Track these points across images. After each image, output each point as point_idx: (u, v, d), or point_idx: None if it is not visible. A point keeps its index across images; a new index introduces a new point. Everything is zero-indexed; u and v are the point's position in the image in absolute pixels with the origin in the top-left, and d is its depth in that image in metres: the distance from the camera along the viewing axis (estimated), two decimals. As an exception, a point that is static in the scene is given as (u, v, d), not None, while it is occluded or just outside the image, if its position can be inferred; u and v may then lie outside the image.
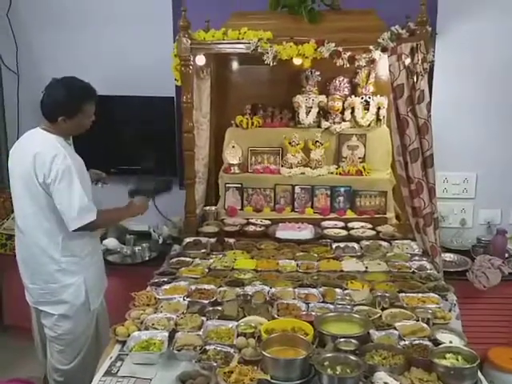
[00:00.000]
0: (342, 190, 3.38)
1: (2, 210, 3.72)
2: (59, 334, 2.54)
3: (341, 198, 3.39)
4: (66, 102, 2.43)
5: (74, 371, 2.57)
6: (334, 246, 2.99)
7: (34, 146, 2.43)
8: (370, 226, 3.25)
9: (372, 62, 3.13)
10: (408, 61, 2.78)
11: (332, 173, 3.42)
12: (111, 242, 3.53)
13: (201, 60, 3.12)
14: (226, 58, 3.52)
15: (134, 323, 2.13)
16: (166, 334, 2.02)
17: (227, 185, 3.48)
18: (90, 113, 2.50)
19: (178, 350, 1.94)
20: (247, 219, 3.36)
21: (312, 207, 3.40)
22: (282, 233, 3.13)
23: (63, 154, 2.39)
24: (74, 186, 2.38)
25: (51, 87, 2.48)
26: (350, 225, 3.27)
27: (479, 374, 1.82)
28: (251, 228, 3.26)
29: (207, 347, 1.94)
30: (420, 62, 2.76)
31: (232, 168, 3.49)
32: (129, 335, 2.04)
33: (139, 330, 2.08)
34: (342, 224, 3.29)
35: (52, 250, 2.47)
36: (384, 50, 2.84)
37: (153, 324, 2.10)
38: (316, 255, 2.86)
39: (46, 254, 2.48)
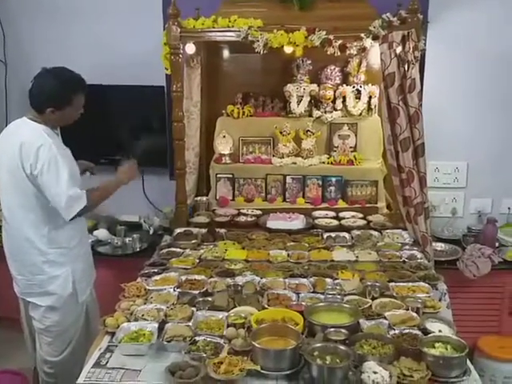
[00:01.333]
0: (334, 179, 3.37)
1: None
2: (47, 326, 2.52)
3: (332, 188, 3.38)
4: (55, 94, 2.38)
5: (64, 362, 2.56)
6: (325, 235, 2.99)
7: (20, 135, 2.40)
8: (361, 215, 3.25)
9: (363, 50, 3.09)
10: (399, 49, 2.76)
11: (323, 162, 3.41)
12: (102, 233, 3.51)
13: (191, 48, 3.08)
14: (217, 47, 3.49)
15: (123, 314, 2.12)
16: (156, 325, 2.01)
17: (218, 175, 3.46)
18: (79, 105, 2.46)
19: (168, 341, 1.93)
20: (238, 209, 3.35)
21: (303, 197, 3.39)
22: (273, 223, 3.12)
23: (49, 144, 2.35)
24: (61, 176, 2.34)
25: (41, 77, 2.42)
26: (341, 214, 3.27)
27: (468, 362, 1.83)
28: (242, 218, 3.25)
29: (197, 338, 1.94)
30: (411, 50, 2.75)
31: (223, 158, 3.47)
32: (118, 326, 2.03)
33: (129, 321, 2.07)
34: (333, 214, 3.29)
35: (38, 242, 2.44)
36: (375, 37, 2.82)
37: (142, 315, 2.10)
38: (307, 245, 2.86)
39: (32, 246, 2.45)
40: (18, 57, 3.78)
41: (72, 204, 2.37)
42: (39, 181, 2.35)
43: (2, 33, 3.75)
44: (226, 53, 3.59)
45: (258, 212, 3.31)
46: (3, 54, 3.79)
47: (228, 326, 2.01)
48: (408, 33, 2.74)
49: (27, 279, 2.50)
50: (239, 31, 2.89)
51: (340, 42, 2.87)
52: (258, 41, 2.87)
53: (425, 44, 2.92)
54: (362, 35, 2.83)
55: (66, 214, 2.39)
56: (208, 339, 1.93)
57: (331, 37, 2.85)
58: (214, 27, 2.97)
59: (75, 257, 2.53)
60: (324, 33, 2.84)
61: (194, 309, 2.15)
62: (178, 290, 2.32)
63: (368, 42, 2.86)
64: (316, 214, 3.28)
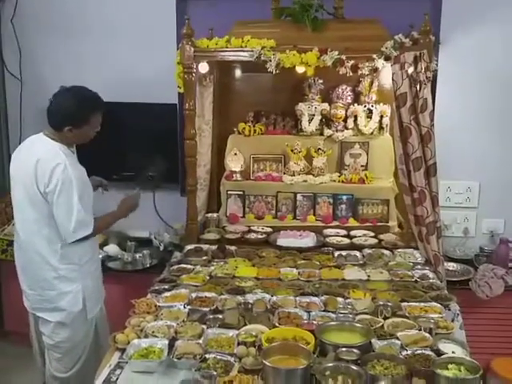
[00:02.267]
0: (345, 197, 3.36)
1: (3, 216, 3.72)
2: (57, 342, 2.52)
3: (343, 206, 3.37)
4: (74, 113, 2.40)
5: (73, 379, 2.55)
6: (335, 254, 2.98)
7: (36, 152, 2.42)
8: (372, 234, 3.24)
9: (375, 70, 3.14)
10: (411, 69, 2.78)
11: (334, 180, 3.42)
12: (112, 249, 3.53)
13: (204, 67, 3.12)
14: (229, 66, 3.53)
15: (133, 331, 2.11)
16: (166, 341, 2.00)
17: (229, 192, 3.47)
18: (96, 124, 2.49)
19: (178, 359, 1.92)
20: (249, 226, 3.35)
21: (314, 215, 3.39)
22: (284, 240, 3.12)
23: (64, 164, 2.36)
24: (73, 200, 2.36)
25: (59, 95, 2.45)
26: (353, 233, 3.26)
27: (482, 385, 1.80)
28: (253, 235, 3.24)
29: (207, 356, 1.93)
30: (423, 70, 2.76)
31: (234, 175, 3.49)
32: (128, 343, 2.03)
33: (139, 337, 2.07)
34: (344, 232, 3.28)
35: (51, 257, 2.45)
36: (387, 58, 2.84)
37: (153, 332, 2.09)
38: (318, 263, 2.85)
39: (44, 261, 2.46)
40: (32, 74, 3.85)
41: (78, 229, 2.40)
42: (49, 199, 2.37)
43: (19, 50, 3.83)
44: (238, 72, 3.63)
45: (269, 229, 3.31)
46: (19, 71, 3.86)
47: (238, 344, 2.00)
48: (420, 54, 2.76)
49: (38, 294, 2.51)
50: (252, 51, 2.92)
51: (352, 62, 2.89)
52: (271, 61, 2.90)
53: (437, 65, 2.94)
54: (374, 56, 2.85)
55: (69, 237, 2.42)
56: (218, 357, 1.92)
57: (343, 57, 2.87)
58: (227, 47, 3.00)
59: (86, 273, 2.53)
60: (336, 53, 2.87)
61: (204, 326, 2.14)
62: (189, 306, 2.32)
63: (380, 63, 2.88)
64: (327, 232, 3.27)
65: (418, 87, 2.78)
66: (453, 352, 1.94)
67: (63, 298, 2.48)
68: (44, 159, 2.37)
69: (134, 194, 2.80)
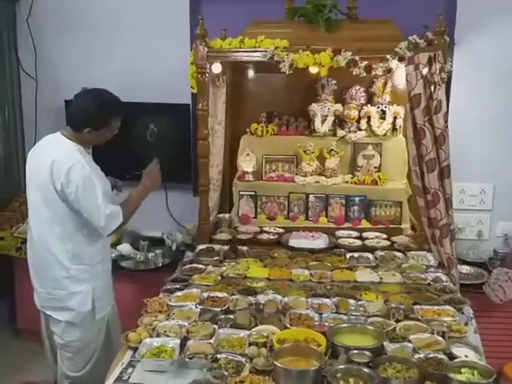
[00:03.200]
0: (357, 199, 3.35)
1: (18, 214, 3.76)
2: (67, 342, 2.53)
3: (355, 208, 3.36)
4: (94, 115, 2.40)
5: (85, 378, 2.56)
6: (348, 255, 2.97)
7: (53, 152, 2.43)
8: (384, 236, 3.22)
9: (389, 71, 3.10)
10: (425, 70, 2.76)
11: (347, 182, 3.40)
12: (125, 248, 3.55)
13: (217, 68, 3.13)
14: (243, 66, 3.53)
15: (146, 329, 2.13)
16: (178, 341, 2.01)
17: (241, 192, 3.47)
18: (115, 127, 2.50)
19: (190, 358, 1.93)
20: (261, 227, 3.34)
21: (326, 216, 3.38)
22: (296, 241, 3.11)
23: (81, 164, 2.37)
24: (97, 197, 2.37)
25: (81, 97, 2.46)
26: (365, 235, 3.24)
27: (495, 389, 1.78)
28: (264, 236, 3.24)
29: (218, 356, 1.93)
30: (437, 71, 2.74)
31: (246, 175, 3.49)
32: (141, 341, 2.04)
33: (151, 336, 2.08)
34: (356, 234, 3.26)
35: (62, 257, 2.45)
36: (401, 59, 2.82)
37: (165, 331, 2.10)
38: (330, 265, 2.84)
39: (56, 261, 2.46)
40: (48, 74, 3.88)
41: (109, 222, 2.41)
42: (74, 200, 2.37)
43: (34, 50, 3.87)
44: (251, 72, 3.62)
45: (281, 230, 3.30)
46: (34, 71, 3.90)
47: (250, 344, 2.00)
48: (434, 54, 2.74)
49: (48, 293, 2.51)
50: (265, 51, 2.92)
51: (365, 62, 2.87)
52: (284, 61, 2.90)
53: (451, 66, 2.91)
54: (388, 56, 2.83)
55: (104, 232, 2.44)
56: (230, 357, 1.92)
57: (357, 58, 2.86)
58: (240, 47, 3.01)
59: (97, 274, 2.53)
60: (350, 53, 2.85)
61: (215, 326, 2.14)
62: (200, 306, 2.32)
63: (394, 64, 2.86)
64: (339, 233, 3.26)
65: (432, 88, 2.77)
66: (466, 356, 1.92)
67: (72, 298, 2.48)
68: (60, 160, 2.38)
69: (154, 163, 2.70)
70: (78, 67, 3.75)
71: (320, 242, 3.10)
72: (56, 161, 2.37)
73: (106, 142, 2.54)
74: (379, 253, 2.99)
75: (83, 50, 3.78)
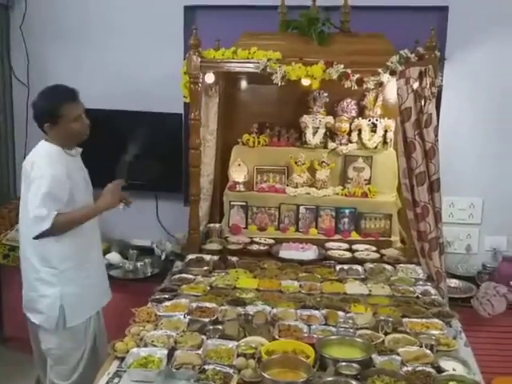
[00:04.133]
0: (347, 211, 3.36)
1: (6, 221, 3.72)
2: (48, 349, 2.53)
3: (345, 220, 3.37)
4: (43, 108, 2.45)
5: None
6: (337, 267, 2.96)
7: (34, 155, 2.51)
8: (374, 248, 3.22)
9: (380, 84, 3.14)
10: (416, 85, 2.79)
11: (337, 194, 3.41)
12: (114, 257, 3.53)
13: (210, 78, 3.14)
14: (235, 77, 3.54)
15: (133, 339, 2.11)
16: (165, 351, 2.00)
17: (232, 202, 3.47)
18: (72, 115, 2.45)
19: (177, 369, 1.91)
20: (251, 238, 3.34)
21: (316, 228, 3.38)
22: (286, 253, 3.11)
23: (44, 161, 2.42)
24: (39, 192, 2.36)
25: (35, 98, 2.53)
26: (355, 247, 3.25)
27: (483, 403, 1.78)
28: (255, 247, 3.24)
29: (206, 367, 1.92)
30: (428, 86, 2.77)
31: (237, 186, 3.49)
32: (128, 351, 2.02)
33: (138, 346, 2.06)
34: (346, 246, 3.26)
35: (33, 259, 2.47)
36: (392, 73, 2.85)
37: (152, 341, 2.08)
38: (319, 276, 2.83)
39: (29, 262, 2.49)
40: (40, 81, 3.83)
41: (35, 224, 2.38)
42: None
43: (27, 57, 3.86)
44: (243, 83, 3.64)
45: (271, 241, 3.30)
46: (26, 78, 3.89)
47: (238, 355, 1.99)
48: (425, 69, 2.77)
49: (25, 294, 2.56)
50: (258, 63, 2.94)
51: (357, 76, 2.90)
52: (277, 73, 2.91)
53: (442, 80, 2.95)
54: (380, 70, 2.86)
55: (31, 233, 2.41)
56: (217, 368, 1.91)
57: (349, 71, 2.89)
58: (233, 58, 3.02)
59: (67, 280, 2.48)
60: (342, 66, 2.88)
61: (203, 337, 2.13)
62: (189, 316, 2.31)
63: (385, 77, 2.89)
64: (329, 245, 3.26)
65: (422, 102, 2.79)
66: (454, 369, 1.92)
67: (42, 301, 2.47)
68: (38, 161, 2.45)
69: (116, 182, 2.62)
70: (70, 75, 3.71)
71: (310, 253, 3.10)
72: (35, 162, 2.45)
73: (80, 136, 2.54)
74: (369, 265, 2.99)
75: (76, 58, 3.78)
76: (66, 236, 2.44)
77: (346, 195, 3.39)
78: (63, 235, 2.43)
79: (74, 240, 2.48)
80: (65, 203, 2.42)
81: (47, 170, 2.40)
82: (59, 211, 2.37)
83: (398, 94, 2.84)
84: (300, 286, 2.70)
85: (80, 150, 2.65)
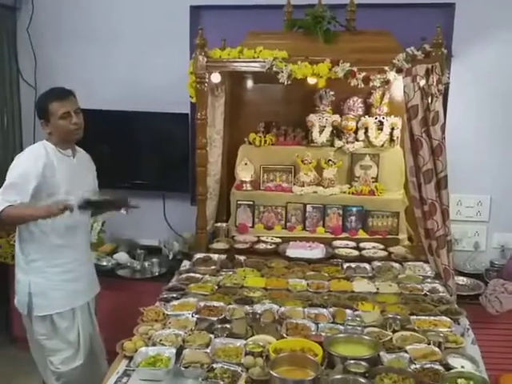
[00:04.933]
0: (354, 209, 3.36)
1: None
2: (32, 335, 2.68)
3: (353, 218, 3.37)
4: (36, 105, 2.66)
5: (69, 375, 2.65)
6: (345, 266, 2.97)
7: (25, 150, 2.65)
8: (381, 246, 3.23)
9: (386, 82, 3.13)
10: (423, 82, 2.78)
11: (344, 192, 3.41)
12: (122, 257, 3.55)
13: (216, 78, 3.15)
14: (241, 76, 3.55)
15: (141, 338, 2.11)
16: (174, 350, 2.00)
17: (239, 202, 3.48)
18: (59, 112, 2.53)
19: (185, 367, 1.92)
20: (258, 237, 3.35)
21: (323, 226, 3.38)
22: (293, 251, 3.11)
23: (25, 157, 2.54)
24: (7, 181, 2.46)
25: None
26: (362, 245, 3.25)
27: (491, 401, 1.78)
28: (262, 246, 3.24)
29: (214, 365, 1.92)
30: (435, 83, 2.77)
31: (244, 185, 3.50)
32: (136, 350, 2.02)
33: (147, 345, 2.07)
34: (353, 244, 3.27)
35: (17, 245, 2.66)
36: (399, 70, 2.84)
37: (160, 340, 2.09)
38: (327, 275, 2.83)
39: (16, 248, 2.69)
40: (47, 82, 3.82)
41: None
42: None
43: (34, 59, 3.88)
44: (249, 82, 3.65)
45: (278, 240, 3.31)
46: (34, 80, 3.91)
47: (246, 354, 1.99)
48: (432, 66, 2.77)
49: None
50: (264, 62, 2.95)
51: (364, 74, 2.90)
52: (283, 72, 2.92)
53: (449, 78, 2.93)
54: (386, 68, 2.86)
55: None
56: (226, 367, 1.91)
57: (355, 69, 2.89)
58: (239, 58, 3.03)
59: (35, 271, 2.59)
60: (348, 65, 2.88)
61: (212, 335, 2.14)
62: (197, 315, 2.32)
63: (391, 75, 2.89)
64: (336, 243, 3.26)
65: (429, 100, 2.79)
66: (462, 367, 1.92)
67: (17, 286, 2.66)
68: (21, 154, 2.60)
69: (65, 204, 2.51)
70: (77, 76, 3.74)
71: (317, 252, 3.10)
72: (19, 155, 2.60)
73: (71, 134, 2.60)
74: (376, 263, 2.99)
75: (83, 60, 3.80)
76: (40, 232, 2.55)
77: (352, 193, 3.39)
78: (38, 231, 2.55)
79: (47, 237, 2.57)
80: (30, 198, 2.47)
81: (21, 163, 2.52)
82: (15, 203, 2.42)
83: (404, 91, 2.84)
84: (307, 284, 2.70)
85: (83, 152, 2.75)
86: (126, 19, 3.73)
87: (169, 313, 2.35)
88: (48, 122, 2.57)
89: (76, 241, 2.69)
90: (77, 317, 2.67)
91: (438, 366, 1.92)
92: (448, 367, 1.92)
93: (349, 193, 3.40)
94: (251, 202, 3.47)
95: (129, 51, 3.74)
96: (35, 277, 2.59)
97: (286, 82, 2.93)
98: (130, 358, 2.01)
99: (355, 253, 3.14)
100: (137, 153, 3.81)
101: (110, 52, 3.77)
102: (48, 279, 2.60)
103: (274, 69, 2.93)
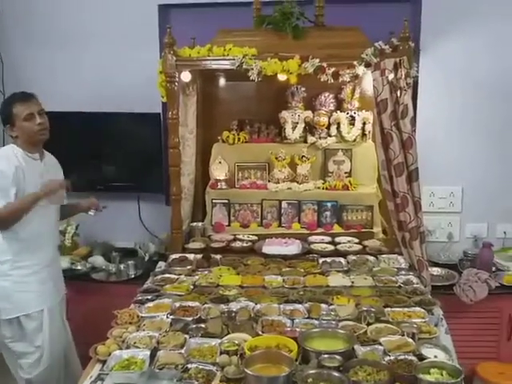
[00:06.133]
0: (329, 204, 3.37)
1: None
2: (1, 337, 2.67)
3: (327, 213, 3.38)
4: (0, 113, 2.63)
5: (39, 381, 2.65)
6: (320, 261, 2.98)
7: None
8: (356, 240, 3.25)
9: (356, 77, 3.16)
10: (391, 76, 2.80)
11: (319, 188, 3.42)
12: (97, 260, 3.50)
13: (186, 76, 3.13)
14: (212, 75, 3.53)
15: (115, 342, 2.09)
16: (148, 352, 1.98)
17: (214, 200, 3.46)
18: (23, 114, 2.55)
19: (160, 369, 1.90)
20: (234, 235, 3.34)
21: (299, 222, 3.39)
22: (269, 248, 3.11)
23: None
24: None
25: None
26: (337, 239, 3.26)
27: (465, 388, 1.80)
28: (238, 244, 3.24)
29: (189, 365, 1.91)
30: (403, 77, 2.79)
31: (219, 184, 3.49)
32: (110, 354, 2.00)
33: (121, 348, 2.05)
34: (328, 239, 3.28)
35: None
36: (367, 65, 2.86)
37: (134, 342, 2.07)
38: (302, 270, 2.84)
39: None
40: (15, 87, 3.75)
41: None
42: None
43: (1, 63, 3.80)
44: (221, 81, 3.63)
45: (254, 237, 3.30)
46: (1, 84, 3.83)
47: (221, 353, 1.98)
48: (400, 60, 2.79)
49: None
50: (234, 59, 2.94)
51: (333, 69, 2.92)
52: (253, 69, 2.91)
53: (417, 71, 2.96)
54: (355, 63, 2.87)
55: None
56: (200, 367, 1.91)
57: (324, 64, 2.90)
58: (209, 56, 3.01)
59: (3, 274, 2.59)
60: (317, 60, 2.89)
61: (186, 336, 2.12)
62: (171, 316, 2.30)
63: (361, 70, 2.91)
64: (312, 239, 3.27)
65: (398, 93, 2.81)
66: (435, 356, 1.94)
67: None
68: None
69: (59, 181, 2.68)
70: (46, 79, 3.70)
71: (293, 248, 3.11)
72: None
73: (37, 136, 2.60)
74: (351, 257, 3.01)
75: (51, 62, 3.74)
76: (5, 233, 2.54)
77: (327, 189, 3.40)
78: (2, 235, 2.55)
79: (12, 240, 2.57)
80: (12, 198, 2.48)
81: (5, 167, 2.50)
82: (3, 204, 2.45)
83: (373, 85, 2.86)
84: (283, 280, 2.70)
85: (50, 156, 2.74)
86: (94, 19, 3.67)
87: (143, 315, 2.33)
88: (13, 125, 2.58)
89: (42, 243, 2.66)
90: (45, 319, 2.64)
91: (411, 357, 1.94)
92: (422, 358, 1.94)
93: (323, 188, 3.42)
94: (226, 201, 3.46)
95: (98, 52, 3.69)
96: (2, 279, 2.59)
97: (256, 79, 2.93)
98: (104, 362, 1.99)
99: (331, 247, 3.16)
100: (110, 155, 3.77)
101: (80, 53, 3.71)
102: (13, 281, 2.59)
103: (244, 66, 2.93)
